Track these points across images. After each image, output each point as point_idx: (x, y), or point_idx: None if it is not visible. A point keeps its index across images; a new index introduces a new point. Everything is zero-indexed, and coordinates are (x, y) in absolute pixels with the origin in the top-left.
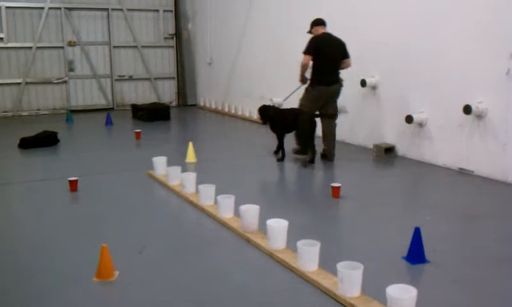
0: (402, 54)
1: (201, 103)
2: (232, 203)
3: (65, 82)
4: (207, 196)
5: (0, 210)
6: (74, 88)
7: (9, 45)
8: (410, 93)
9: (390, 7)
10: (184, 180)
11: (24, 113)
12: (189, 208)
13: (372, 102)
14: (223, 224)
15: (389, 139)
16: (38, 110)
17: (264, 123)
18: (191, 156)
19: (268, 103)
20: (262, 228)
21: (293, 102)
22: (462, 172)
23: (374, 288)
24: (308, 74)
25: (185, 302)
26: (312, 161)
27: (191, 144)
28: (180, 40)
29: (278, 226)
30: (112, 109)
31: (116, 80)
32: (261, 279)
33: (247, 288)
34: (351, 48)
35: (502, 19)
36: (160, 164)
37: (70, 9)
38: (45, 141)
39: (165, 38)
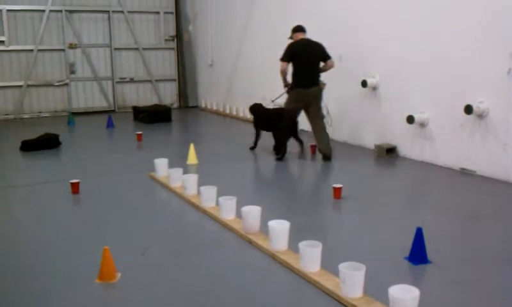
0: (403, 54)
1: (203, 105)
2: (233, 204)
3: (66, 84)
4: (208, 197)
5: (2, 212)
6: (75, 90)
7: (11, 47)
8: (411, 93)
9: (390, 7)
10: (185, 182)
11: (26, 116)
12: (191, 209)
13: (373, 103)
14: (225, 226)
15: (390, 139)
16: (40, 112)
17: (251, 113)
18: (192, 158)
19: (271, 105)
20: (264, 230)
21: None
22: (463, 172)
23: (376, 288)
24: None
25: (187, 304)
26: (280, 159)
27: (192, 146)
28: (181, 42)
29: (280, 227)
30: (113, 111)
31: (117, 82)
32: (263, 281)
33: (249, 290)
34: (351, 49)
35: (502, 19)
36: (161, 165)
37: (71, 11)
38: (47, 143)
39: (166, 40)
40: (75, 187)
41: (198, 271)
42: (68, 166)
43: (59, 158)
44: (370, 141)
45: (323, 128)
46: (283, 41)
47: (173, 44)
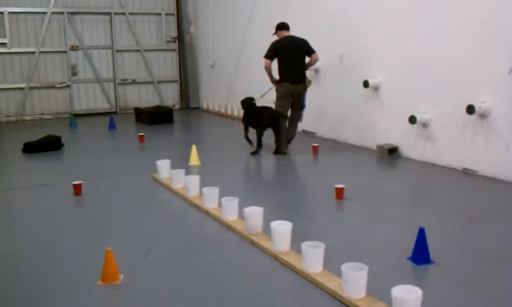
0: (405, 55)
1: (204, 106)
2: (235, 205)
3: (68, 86)
4: (210, 198)
5: (4, 214)
6: (77, 92)
7: (13, 50)
8: (413, 94)
9: (392, 7)
10: (187, 183)
11: (28, 118)
12: (193, 210)
13: (375, 103)
14: (227, 227)
15: (392, 139)
16: (42, 114)
17: (242, 107)
18: (194, 159)
19: (260, 100)
20: (267, 230)
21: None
22: (466, 172)
23: (379, 289)
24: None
25: (190, 305)
26: (254, 153)
27: (194, 147)
28: (183, 43)
29: (283, 228)
30: (115, 112)
31: (119, 84)
32: (265, 281)
33: (251, 291)
34: (352, 49)
35: (504, 19)
36: (163, 167)
37: (72, 13)
38: (49, 145)
39: (167, 42)
40: (77, 189)
41: (201, 272)
42: (70, 168)
43: (61, 160)
44: (372, 141)
45: (295, 121)
46: None
47: (175, 45)
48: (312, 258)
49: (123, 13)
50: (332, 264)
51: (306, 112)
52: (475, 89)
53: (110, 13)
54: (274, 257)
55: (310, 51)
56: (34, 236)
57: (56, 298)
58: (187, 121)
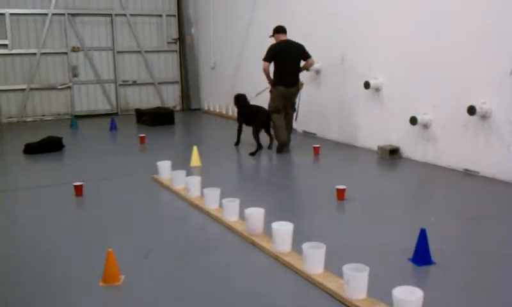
0: (405, 56)
1: (205, 107)
2: (236, 206)
3: (69, 87)
4: (211, 199)
5: (5, 215)
6: (78, 94)
7: (14, 51)
8: (414, 95)
9: (393, 8)
10: (188, 184)
11: (29, 119)
12: (194, 212)
13: (376, 104)
14: (228, 228)
15: (393, 140)
16: (43, 116)
17: (237, 108)
18: (195, 160)
19: (254, 99)
20: (267, 231)
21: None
22: (467, 173)
23: (380, 290)
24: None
25: (191, 306)
26: (253, 153)
27: (195, 148)
28: (184, 45)
29: (284, 229)
30: (116, 114)
31: (120, 85)
32: (266, 283)
33: (252, 292)
34: (353, 50)
35: (505, 20)
36: (164, 168)
37: (73, 15)
38: (50, 146)
39: (168, 43)
40: (78, 190)
41: (202, 273)
42: (71, 169)
43: (62, 161)
44: (373, 142)
45: (291, 124)
46: None
47: (176, 47)
48: (313, 259)
49: (124, 15)
50: (333, 265)
51: (307, 113)
52: (475, 90)
53: (111, 15)
54: (275, 258)
55: (306, 56)
56: (34, 237)
57: (56, 299)
58: (188, 123)
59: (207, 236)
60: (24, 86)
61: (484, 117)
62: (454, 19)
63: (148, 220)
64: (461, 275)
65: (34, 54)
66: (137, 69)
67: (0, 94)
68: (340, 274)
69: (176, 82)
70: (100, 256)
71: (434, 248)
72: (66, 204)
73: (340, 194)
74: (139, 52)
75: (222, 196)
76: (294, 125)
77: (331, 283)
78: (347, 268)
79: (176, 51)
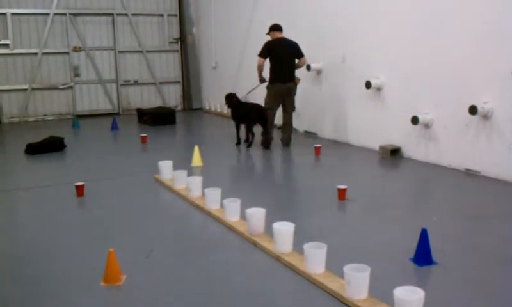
0: (407, 55)
1: (207, 107)
2: (237, 206)
3: (71, 87)
4: (212, 199)
5: (7, 215)
6: (80, 93)
7: (15, 51)
8: (415, 94)
9: (393, 7)
10: (189, 184)
11: (30, 119)
12: (195, 211)
13: (377, 104)
14: (229, 228)
15: (395, 140)
16: (44, 116)
17: (228, 107)
18: (196, 160)
19: (246, 97)
20: (269, 231)
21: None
22: (468, 173)
23: (381, 290)
24: (266, 74)
25: (192, 306)
26: (249, 145)
27: (196, 148)
28: (185, 44)
29: (285, 229)
30: (118, 113)
31: (122, 85)
32: (267, 282)
33: (253, 292)
34: (355, 50)
35: (506, 19)
36: (166, 168)
37: (75, 14)
38: (52, 146)
39: (170, 43)
40: (79, 190)
41: (203, 273)
42: (72, 169)
43: (63, 161)
44: (374, 142)
45: (289, 122)
46: None
47: (177, 46)
48: (314, 259)
49: (126, 14)
50: (334, 265)
51: (308, 113)
52: (477, 90)
53: (112, 14)
54: (277, 258)
55: (299, 54)
56: (35, 237)
57: (57, 299)
58: (189, 122)
59: (208, 236)
60: (25, 86)
61: (485, 116)
62: (455, 18)
63: (149, 220)
64: (462, 275)
65: (36, 53)
66: (139, 69)
67: (2, 94)
68: (341, 274)
69: (178, 82)
70: (101, 255)
71: (435, 248)
72: (67, 204)
73: (341, 193)
74: (140, 51)
75: (223, 196)
76: (295, 125)
77: (332, 283)
78: (348, 268)
79: (177, 51)
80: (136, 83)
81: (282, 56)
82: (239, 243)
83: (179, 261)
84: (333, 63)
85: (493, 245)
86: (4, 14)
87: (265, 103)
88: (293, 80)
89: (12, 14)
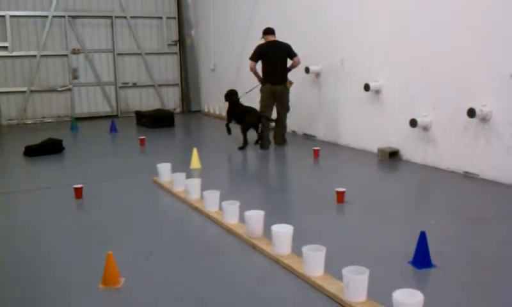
0: (406, 58)
1: (205, 110)
2: (236, 209)
3: (69, 89)
4: (211, 202)
5: (5, 217)
6: (78, 96)
7: (14, 53)
8: (414, 97)
9: (393, 11)
10: (188, 186)
11: (29, 121)
12: (194, 214)
13: (376, 106)
14: (228, 230)
15: (393, 143)
16: (43, 118)
17: (227, 103)
18: (195, 162)
19: (245, 97)
20: (267, 234)
21: None
22: (467, 175)
23: (380, 293)
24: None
25: None
26: (241, 148)
27: (195, 151)
28: (184, 47)
29: (283, 231)
30: (116, 116)
31: (120, 87)
32: (266, 285)
33: (253, 294)
34: (353, 53)
35: (505, 22)
36: (164, 170)
37: (73, 17)
38: (50, 148)
39: (169, 45)
40: (78, 192)
41: (202, 276)
42: (71, 171)
43: (62, 163)
44: (372, 144)
45: (283, 123)
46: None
47: (176, 49)
48: (313, 261)
49: (124, 17)
50: (333, 268)
51: (307, 116)
52: (475, 93)
53: (111, 17)
54: (275, 261)
55: (292, 54)
56: (34, 239)
57: (55, 301)
58: (188, 125)
59: (207, 239)
60: (24, 88)
61: (484, 119)
62: (454, 21)
63: (147, 222)
64: (461, 278)
65: (35, 56)
66: (138, 71)
67: (1, 97)
68: (340, 277)
69: (176, 84)
70: (100, 258)
71: (434, 251)
72: (66, 207)
73: (340, 196)
74: (139, 54)
75: (222, 199)
76: (294, 128)
77: (331, 286)
78: (347, 270)
79: (176, 53)
80: (134, 85)
81: (273, 58)
82: (238, 245)
83: (178, 264)
84: (332, 66)
85: (492, 247)
86: (3, 16)
87: (260, 105)
88: (284, 82)
89: (11, 16)
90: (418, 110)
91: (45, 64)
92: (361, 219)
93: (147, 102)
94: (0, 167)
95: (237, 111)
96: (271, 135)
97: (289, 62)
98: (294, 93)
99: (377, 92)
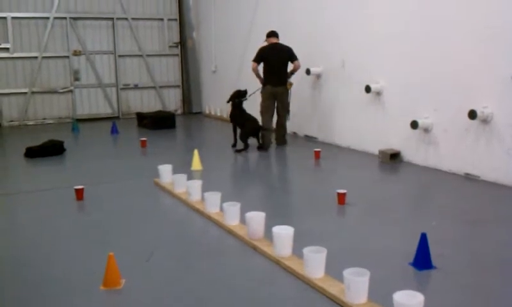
0: (406, 60)
1: (207, 111)
2: (237, 210)
3: (71, 91)
4: (212, 203)
5: (7, 219)
6: (80, 97)
7: (15, 55)
8: (415, 99)
9: (394, 12)
10: (189, 188)
11: (30, 122)
12: (195, 215)
13: (377, 108)
14: (229, 232)
15: (394, 144)
16: (44, 119)
17: (228, 101)
18: (196, 164)
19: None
20: (268, 235)
21: None
22: (468, 177)
23: (380, 294)
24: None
25: None
26: (239, 151)
27: (196, 152)
28: (185, 48)
29: (284, 233)
30: (117, 117)
31: (122, 89)
32: (268, 287)
33: (254, 296)
34: (354, 54)
35: (506, 24)
36: (166, 171)
37: (75, 18)
38: (51, 150)
39: (170, 47)
40: (79, 194)
41: (203, 277)
42: (72, 172)
43: (63, 165)
44: (374, 146)
45: (283, 124)
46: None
47: (177, 51)
48: (314, 263)
49: (126, 18)
50: (334, 269)
51: (308, 117)
52: (476, 94)
53: (112, 18)
54: (276, 262)
55: (293, 58)
56: (35, 241)
57: (57, 303)
58: (189, 126)
59: (208, 240)
60: (25, 90)
61: (485, 121)
62: (456, 23)
63: (149, 224)
64: (462, 280)
65: (36, 57)
66: (139, 73)
67: (2, 98)
68: (340, 278)
69: (178, 86)
70: (101, 259)
71: (435, 252)
72: (67, 208)
73: (341, 198)
74: (140, 55)
75: (223, 200)
76: (295, 129)
77: (332, 287)
78: (347, 272)
79: (177, 55)
80: (135, 87)
81: (274, 60)
82: (239, 247)
83: (179, 265)
84: (333, 67)
85: (493, 249)
86: (5, 18)
87: (261, 107)
88: (284, 84)
89: (12, 18)
90: (419, 112)
91: (46, 65)
92: (362, 221)
93: (148, 103)
94: (1, 168)
95: (238, 118)
96: (271, 136)
97: (290, 65)
98: (295, 95)
99: (378, 94)
